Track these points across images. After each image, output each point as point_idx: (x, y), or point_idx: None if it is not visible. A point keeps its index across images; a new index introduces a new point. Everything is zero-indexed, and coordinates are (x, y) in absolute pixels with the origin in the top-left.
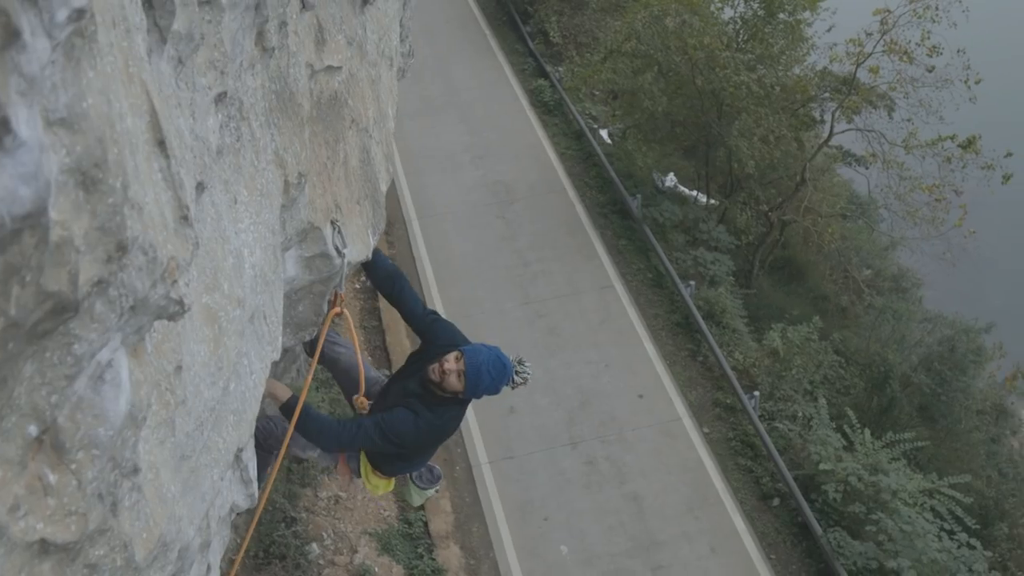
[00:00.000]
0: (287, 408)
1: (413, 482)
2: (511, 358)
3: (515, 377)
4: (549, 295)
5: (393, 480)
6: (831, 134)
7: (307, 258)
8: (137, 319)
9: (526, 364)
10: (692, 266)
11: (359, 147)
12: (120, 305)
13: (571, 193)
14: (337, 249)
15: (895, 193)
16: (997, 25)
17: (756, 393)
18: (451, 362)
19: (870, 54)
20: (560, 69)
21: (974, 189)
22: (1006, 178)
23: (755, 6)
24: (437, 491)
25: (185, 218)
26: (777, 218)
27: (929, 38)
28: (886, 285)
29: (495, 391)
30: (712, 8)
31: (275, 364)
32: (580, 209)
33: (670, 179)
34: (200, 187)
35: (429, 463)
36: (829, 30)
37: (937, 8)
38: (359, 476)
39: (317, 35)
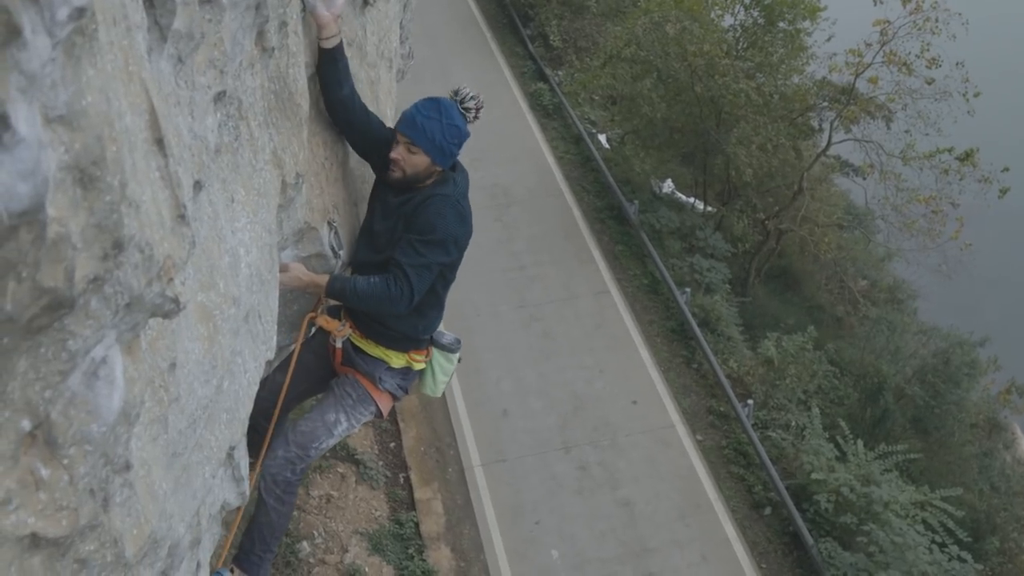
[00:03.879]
0: (334, 292)
1: (438, 348)
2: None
3: (465, 105)
4: (545, 299)
5: (429, 354)
6: (829, 144)
7: (303, 258)
8: (132, 316)
9: (463, 90)
10: (688, 273)
11: None
12: (115, 302)
13: (568, 197)
14: (333, 250)
15: (892, 204)
16: (997, 39)
17: (750, 401)
18: (394, 146)
19: (869, 64)
20: (560, 73)
21: (971, 202)
22: (1003, 192)
23: (755, 14)
24: (460, 360)
25: (182, 217)
26: (774, 227)
27: (928, 50)
28: (882, 296)
29: (456, 132)
30: (712, 15)
31: (269, 363)
32: (577, 213)
33: (668, 185)
34: (198, 186)
35: (441, 330)
36: (829, 40)
37: (937, 20)
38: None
39: (314, 36)
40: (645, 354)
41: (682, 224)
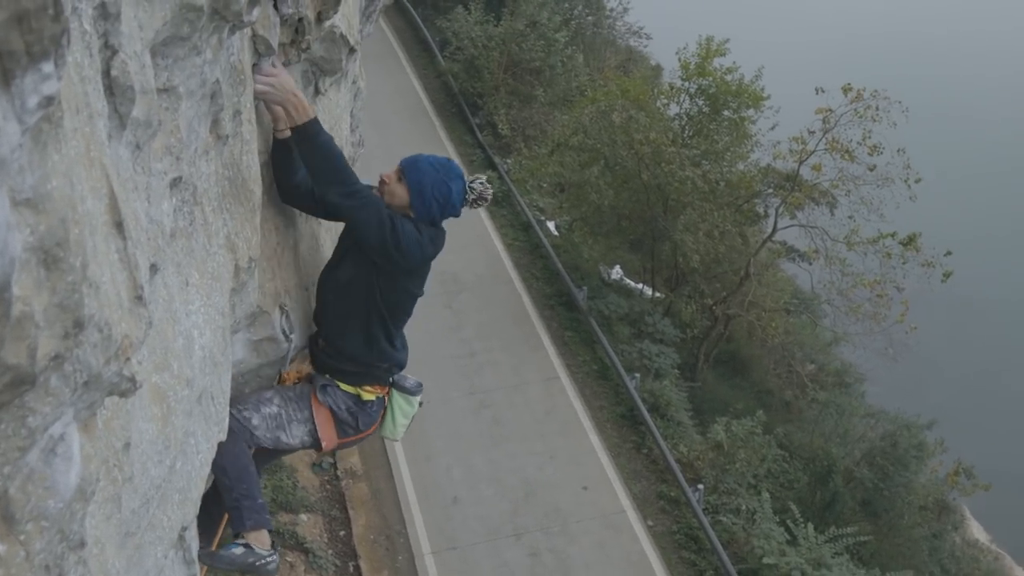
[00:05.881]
0: (304, 132)
1: (398, 389)
2: None
3: (472, 186)
4: (495, 385)
5: (386, 392)
6: (775, 229)
7: (255, 341)
8: (90, 395)
9: (478, 176)
10: (637, 358)
11: (309, 234)
12: (75, 380)
13: (518, 284)
14: (284, 333)
15: (838, 289)
16: (937, 125)
17: (700, 486)
18: (389, 172)
19: (812, 152)
20: (508, 161)
21: (915, 286)
22: (946, 275)
23: (700, 103)
24: (422, 404)
25: (139, 298)
26: (722, 312)
27: (870, 137)
28: (829, 380)
29: (445, 192)
30: (658, 104)
31: (221, 444)
32: (527, 300)
33: (616, 272)
34: (153, 268)
35: (404, 374)
36: (773, 128)
37: (877, 108)
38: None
39: (269, 124)
40: (595, 439)
41: (631, 310)
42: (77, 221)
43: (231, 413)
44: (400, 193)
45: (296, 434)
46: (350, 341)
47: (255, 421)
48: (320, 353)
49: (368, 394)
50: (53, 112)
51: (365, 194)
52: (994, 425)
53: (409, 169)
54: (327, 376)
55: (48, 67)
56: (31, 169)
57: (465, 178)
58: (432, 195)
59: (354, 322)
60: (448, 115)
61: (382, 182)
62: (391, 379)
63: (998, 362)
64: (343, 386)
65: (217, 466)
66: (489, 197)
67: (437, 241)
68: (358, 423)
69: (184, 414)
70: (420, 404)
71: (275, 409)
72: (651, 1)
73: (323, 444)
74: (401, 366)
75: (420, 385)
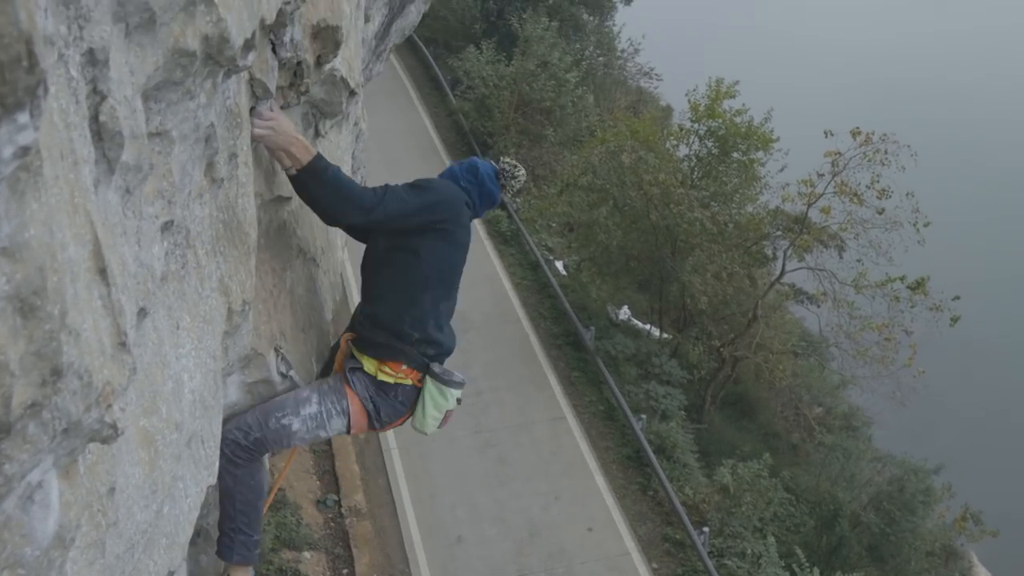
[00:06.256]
0: (311, 171)
1: (435, 377)
2: None
3: (501, 165)
4: (500, 425)
5: (411, 375)
6: (783, 272)
7: (249, 384)
8: (70, 442)
9: (505, 160)
10: (644, 399)
11: (306, 276)
12: (53, 428)
13: (525, 323)
14: (282, 374)
15: (845, 332)
16: (946, 169)
17: (706, 529)
18: None
19: (821, 195)
20: (518, 200)
21: (923, 330)
22: (954, 320)
23: (709, 145)
24: (459, 402)
25: (123, 344)
26: (729, 354)
27: (879, 181)
28: (837, 423)
29: (473, 171)
30: (667, 145)
31: (211, 488)
32: (534, 339)
33: (624, 312)
34: (142, 313)
35: (447, 368)
36: (782, 170)
37: (886, 152)
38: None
39: (268, 166)
40: (601, 481)
41: (638, 350)
42: (56, 269)
43: (270, 425)
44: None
45: (335, 427)
46: (384, 305)
47: (296, 426)
48: (358, 325)
49: (386, 375)
50: (31, 161)
51: (379, 196)
52: (1002, 469)
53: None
54: (354, 358)
55: (23, 118)
56: (8, 218)
57: (493, 168)
58: (461, 174)
59: (391, 285)
60: (459, 153)
61: None
62: (428, 366)
63: (1006, 405)
64: (366, 365)
65: (227, 489)
66: (520, 178)
67: (456, 200)
68: (380, 415)
69: (173, 458)
70: (459, 401)
71: (315, 408)
72: (662, 43)
73: (352, 430)
74: (440, 347)
75: (463, 381)
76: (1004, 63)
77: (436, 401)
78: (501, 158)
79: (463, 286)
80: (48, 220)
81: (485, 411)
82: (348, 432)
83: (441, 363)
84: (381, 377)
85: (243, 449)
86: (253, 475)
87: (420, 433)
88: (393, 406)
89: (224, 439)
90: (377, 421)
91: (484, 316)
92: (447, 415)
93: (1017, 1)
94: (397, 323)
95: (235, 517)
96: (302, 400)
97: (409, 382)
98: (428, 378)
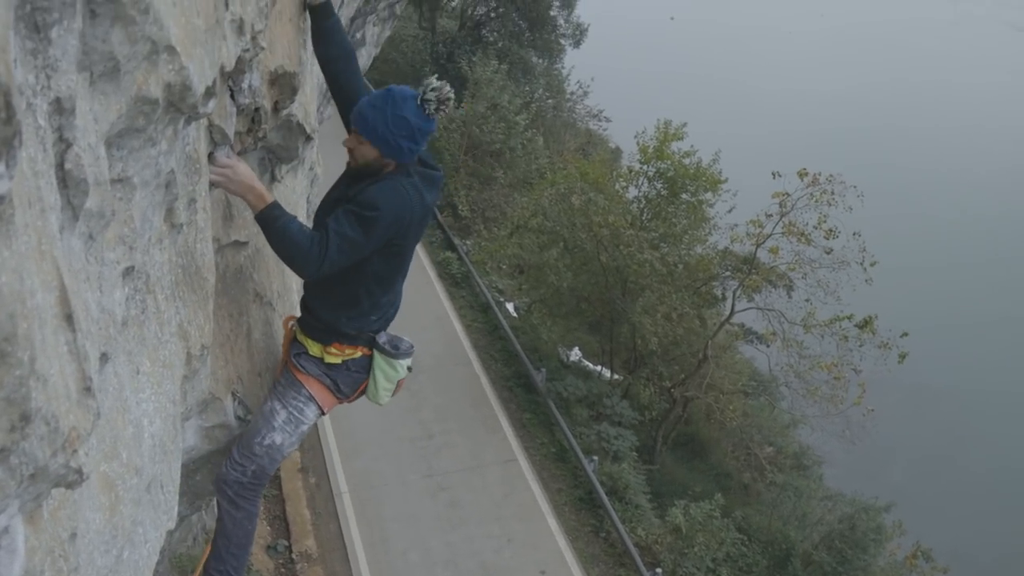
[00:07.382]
0: (262, 219)
1: (382, 351)
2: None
3: (426, 97)
4: (452, 468)
5: (359, 350)
6: (732, 312)
7: (207, 428)
8: (36, 487)
9: (427, 81)
10: (596, 441)
11: (262, 320)
12: (20, 473)
13: (476, 365)
14: (239, 419)
15: (795, 371)
16: (892, 210)
17: (659, 570)
18: (347, 139)
19: (769, 235)
20: (468, 242)
21: (872, 368)
22: (902, 357)
23: (659, 186)
24: (410, 369)
25: (88, 389)
26: (680, 394)
27: (826, 221)
28: (788, 463)
29: (403, 124)
30: (617, 187)
31: (170, 533)
32: (485, 381)
33: (575, 353)
34: (104, 358)
35: (393, 334)
36: (730, 211)
37: (833, 193)
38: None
39: (225, 211)
40: (553, 523)
41: (589, 392)
42: (26, 315)
43: (256, 452)
44: (367, 151)
45: (309, 416)
46: (322, 303)
47: (278, 439)
48: (300, 311)
49: (333, 357)
50: (3, 210)
51: (323, 249)
52: (951, 507)
53: (360, 124)
54: (298, 342)
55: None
56: None
57: (415, 91)
58: (393, 134)
59: (330, 286)
60: None
61: (350, 152)
62: (373, 340)
63: (954, 445)
64: (311, 348)
65: (225, 532)
66: (450, 96)
67: (408, 203)
68: (340, 388)
69: (133, 503)
70: (409, 369)
71: (284, 414)
72: (611, 85)
73: (325, 410)
74: (383, 317)
75: (409, 348)
76: (948, 107)
77: (386, 373)
78: (424, 81)
79: (413, 329)
80: (18, 267)
81: (437, 454)
82: (323, 414)
83: (386, 327)
84: (328, 360)
85: (247, 487)
86: (251, 519)
87: (375, 404)
88: (350, 376)
89: (225, 482)
90: (339, 393)
91: (435, 359)
92: (398, 384)
93: (967, 54)
94: (335, 322)
95: (226, 560)
96: (269, 414)
97: (358, 354)
98: (376, 353)
